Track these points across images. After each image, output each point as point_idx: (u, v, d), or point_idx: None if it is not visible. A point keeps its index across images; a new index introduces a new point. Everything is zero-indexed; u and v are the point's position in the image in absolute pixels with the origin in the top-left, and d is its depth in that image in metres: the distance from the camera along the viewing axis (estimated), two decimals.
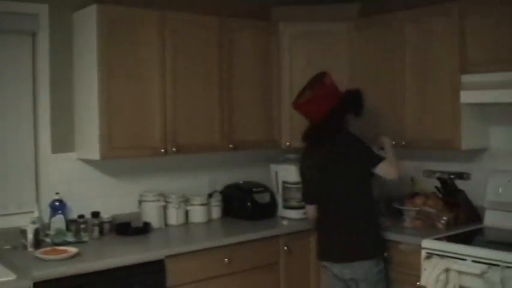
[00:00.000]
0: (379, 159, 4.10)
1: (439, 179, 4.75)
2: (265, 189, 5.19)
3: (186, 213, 4.89)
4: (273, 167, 5.27)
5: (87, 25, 4.26)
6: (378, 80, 4.89)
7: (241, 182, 5.31)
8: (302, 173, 4.46)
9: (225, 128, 4.81)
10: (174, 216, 4.80)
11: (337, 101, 4.17)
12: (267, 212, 5.11)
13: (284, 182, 5.15)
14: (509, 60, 4.05)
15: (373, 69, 4.94)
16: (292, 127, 5.05)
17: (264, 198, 5.12)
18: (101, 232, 4.41)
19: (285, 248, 4.66)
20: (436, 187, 4.77)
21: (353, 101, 4.19)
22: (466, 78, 4.29)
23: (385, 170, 4.11)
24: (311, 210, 4.47)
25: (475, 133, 4.50)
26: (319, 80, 4.27)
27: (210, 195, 5.08)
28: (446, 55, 4.42)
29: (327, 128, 4.18)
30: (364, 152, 4.13)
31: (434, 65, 4.52)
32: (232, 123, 4.85)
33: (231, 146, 4.85)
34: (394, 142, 4.47)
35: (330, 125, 4.17)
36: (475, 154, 4.71)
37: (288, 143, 5.15)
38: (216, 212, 5.06)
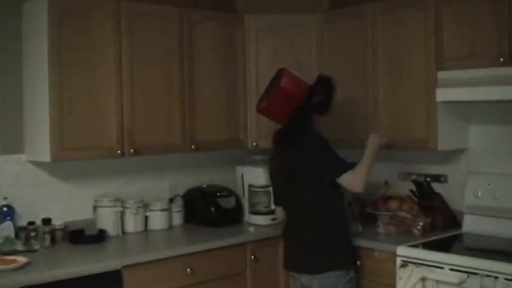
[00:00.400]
0: (345, 168, 4.02)
1: (414, 181, 4.77)
2: (230, 193, 5.16)
3: (145, 219, 4.85)
4: (239, 169, 5.25)
5: (38, 16, 4.21)
6: (349, 75, 4.88)
7: (204, 185, 5.28)
8: (271, 175, 4.46)
9: (186, 128, 4.78)
10: (132, 223, 4.76)
11: (301, 100, 4.14)
12: (232, 217, 5.09)
13: (250, 186, 5.14)
14: (488, 55, 4.06)
15: (344, 64, 4.94)
16: (259, 126, 5.04)
17: (229, 203, 5.10)
18: (53, 240, 4.36)
19: (252, 256, 4.64)
20: (411, 190, 4.77)
21: (323, 90, 4.18)
22: (442, 75, 4.30)
23: (348, 181, 4.02)
24: (280, 212, 4.47)
25: (452, 133, 4.51)
26: (275, 83, 4.24)
27: (170, 200, 5.05)
28: (422, 50, 4.43)
29: (293, 130, 4.16)
30: (330, 157, 4.07)
31: (408, 60, 4.53)
32: (194, 122, 4.83)
33: (192, 146, 4.82)
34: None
35: (295, 125, 4.16)
36: (452, 155, 4.73)
37: (254, 144, 5.13)
38: (177, 218, 5.03)
